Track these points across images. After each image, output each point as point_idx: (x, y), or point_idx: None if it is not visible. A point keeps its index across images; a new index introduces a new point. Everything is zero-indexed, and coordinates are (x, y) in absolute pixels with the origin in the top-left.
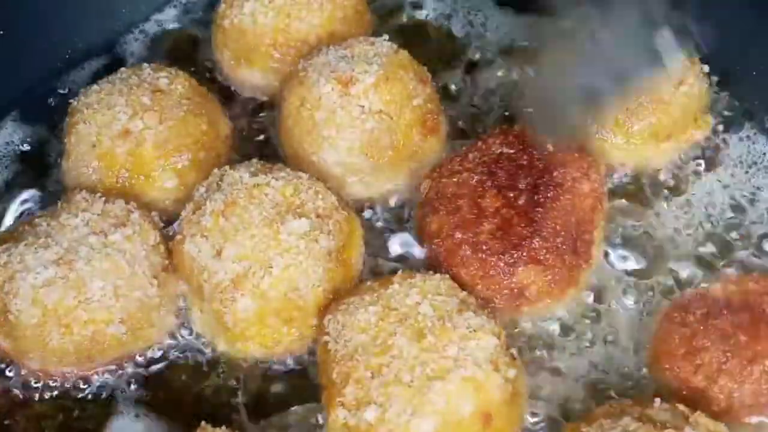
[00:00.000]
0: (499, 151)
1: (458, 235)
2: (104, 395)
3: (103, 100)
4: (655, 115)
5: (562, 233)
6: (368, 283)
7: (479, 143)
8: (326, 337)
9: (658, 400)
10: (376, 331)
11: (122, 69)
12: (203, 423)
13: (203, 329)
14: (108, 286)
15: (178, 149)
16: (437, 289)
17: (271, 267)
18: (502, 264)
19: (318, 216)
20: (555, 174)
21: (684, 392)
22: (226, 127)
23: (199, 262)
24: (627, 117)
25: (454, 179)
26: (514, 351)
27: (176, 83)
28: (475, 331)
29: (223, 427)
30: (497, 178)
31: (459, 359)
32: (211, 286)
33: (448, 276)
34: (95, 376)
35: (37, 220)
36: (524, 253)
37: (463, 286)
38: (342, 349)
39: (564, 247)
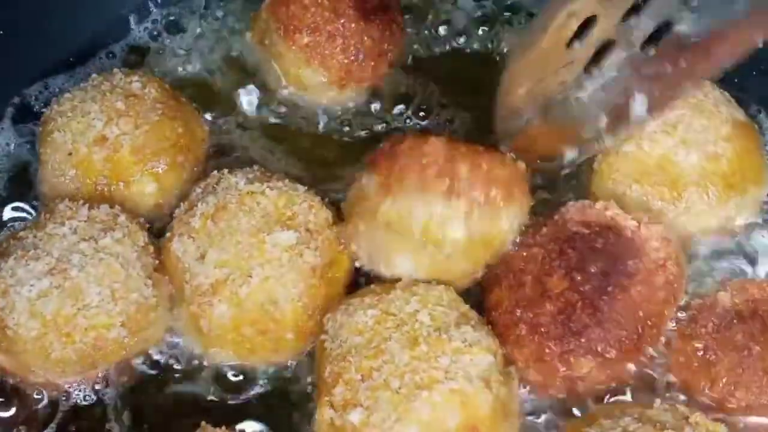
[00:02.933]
0: (574, 229)
1: (518, 312)
2: (96, 401)
3: (76, 107)
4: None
5: (627, 326)
6: (372, 286)
7: (556, 217)
8: (324, 336)
9: (657, 400)
10: (372, 335)
11: (93, 75)
12: (203, 423)
13: (183, 331)
14: (105, 291)
15: (156, 154)
16: (439, 300)
17: (251, 276)
18: (558, 350)
19: (307, 230)
20: (629, 263)
21: (700, 406)
22: (202, 130)
23: (183, 263)
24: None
25: (524, 253)
26: (512, 369)
27: (149, 87)
28: (470, 345)
29: (223, 427)
30: (567, 258)
31: (450, 371)
32: (191, 288)
33: (451, 287)
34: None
35: (21, 233)
36: (583, 343)
37: (515, 364)
38: (337, 349)
39: (627, 341)
